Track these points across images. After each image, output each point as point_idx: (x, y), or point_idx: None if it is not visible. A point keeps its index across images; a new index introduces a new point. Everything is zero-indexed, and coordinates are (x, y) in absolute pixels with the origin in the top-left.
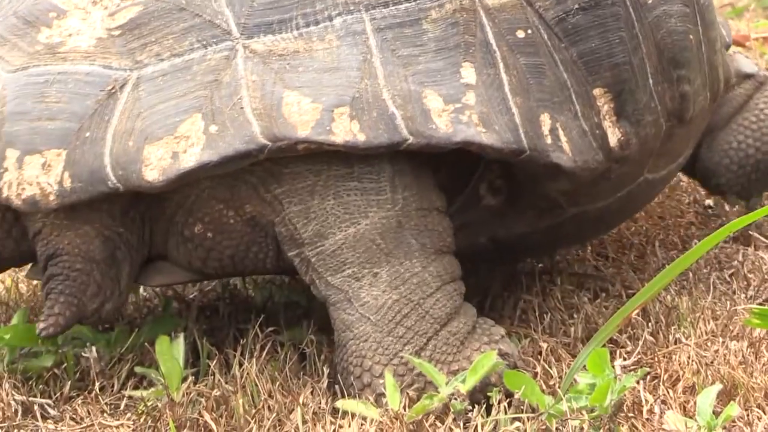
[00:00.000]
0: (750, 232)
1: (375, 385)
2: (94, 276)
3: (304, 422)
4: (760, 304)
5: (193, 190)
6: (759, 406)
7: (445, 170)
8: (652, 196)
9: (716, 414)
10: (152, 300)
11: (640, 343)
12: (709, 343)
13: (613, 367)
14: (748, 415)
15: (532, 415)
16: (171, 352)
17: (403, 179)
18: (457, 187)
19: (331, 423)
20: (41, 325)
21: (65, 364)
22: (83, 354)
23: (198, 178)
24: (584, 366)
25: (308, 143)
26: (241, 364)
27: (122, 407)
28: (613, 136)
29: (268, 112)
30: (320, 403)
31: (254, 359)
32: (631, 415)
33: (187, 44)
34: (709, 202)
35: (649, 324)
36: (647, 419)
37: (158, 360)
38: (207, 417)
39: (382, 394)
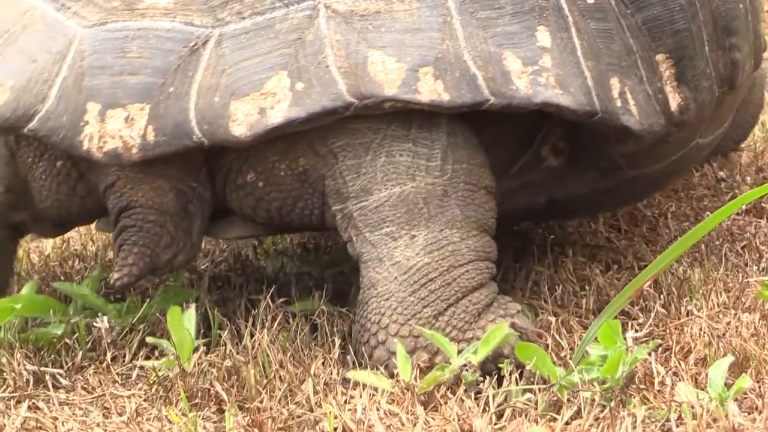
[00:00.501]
0: (763, 204)
1: (389, 343)
2: (168, 228)
3: (316, 393)
4: None
5: None
6: None
7: (508, 131)
8: (699, 160)
9: (728, 386)
10: None
11: (652, 315)
12: (721, 315)
13: (625, 338)
14: (759, 387)
15: (544, 386)
16: (182, 322)
17: (456, 152)
18: (520, 149)
19: (342, 393)
20: (115, 275)
21: (77, 334)
22: (95, 324)
23: (284, 134)
24: (596, 338)
25: (395, 101)
26: (252, 335)
27: (134, 377)
28: (674, 101)
29: (353, 70)
30: (331, 374)
31: (266, 330)
32: (642, 386)
33: (269, 3)
34: (722, 174)
35: (661, 296)
36: (659, 391)
37: (170, 330)
38: (218, 387)
39: (395, 353)
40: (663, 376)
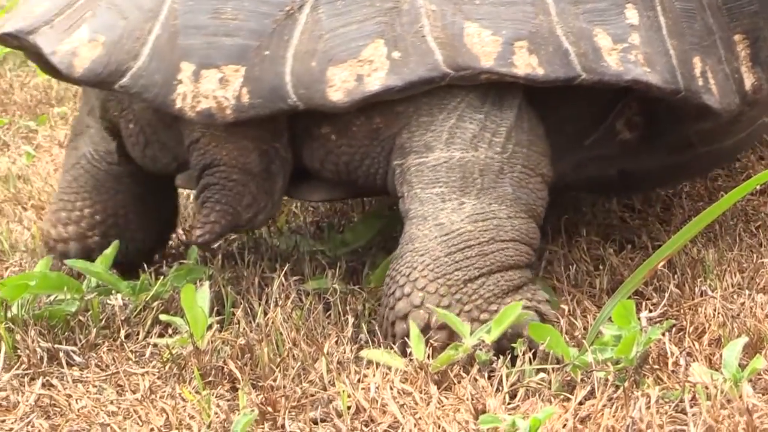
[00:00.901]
0: None
1: (414, 296)
2: (250, 187)
3: (329, 371)
4: None
5: None
6: None
7: (583, 106)
8: (760, 137)
9: (742, 367)
10: (177, 248)
11: (666, 295)
12: (735, 296)
13: (639, 319)
14: None
15: (557, 366)
16: (196, 300)
17: (520, 135)
18: (594, 123)
19: (356, 372)
20: (198, 232)
21: (90, 312)
22: (108, 302)
23: (379, 101)
24: (610, 318)
25: (491, 74)
26: (265, 313)
27: (147, 355)
28: (748, 81)
29: (449, 41)
30: (345, 353)
31: (279, 308)
32: (656, 367)
33: None
34: None
35: (675, 276)
36: (673, 371)
37: (183, 308)
38: (231, 365)
39: (418, 306)
40: (677, 357)
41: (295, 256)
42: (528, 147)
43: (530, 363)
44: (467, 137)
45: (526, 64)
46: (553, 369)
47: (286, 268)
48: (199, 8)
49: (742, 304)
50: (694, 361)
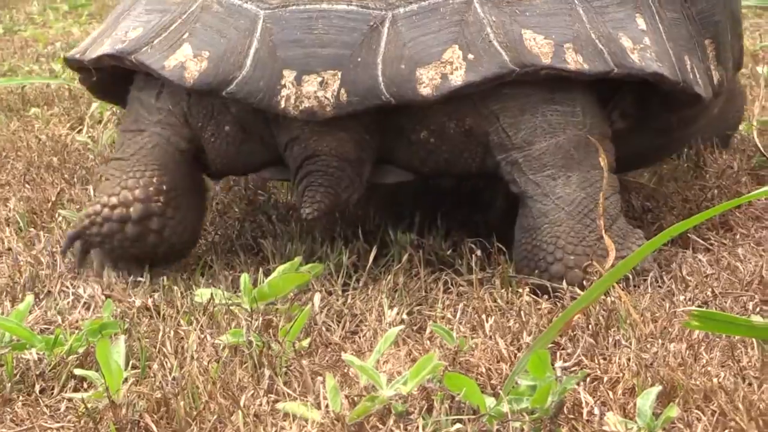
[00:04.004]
0: (688, 235)
1: (566, 259)
2: (347, 172)
3: (246, 424)
4: (699, 306)
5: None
6: (698, 408)
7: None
8: (708, 126)
9: (656, 415)
10: (94, 300)
11: (581, 344)
12: (648, 345)
13: (554, 368)
14: (687, 417)
15: (473, 416)
16: (111, 354)
17: (590, 108)
18: None
19: (272, 425)
20: (307, 210)
21: (5, 367)
22: (23, 356)
23: (460, 95)
24: (526, 368)
25: (549, 69)
26: (181, 367)
27: (63, 409)
28: (716, 76)
29: (512, 45)
30: (261, 405)
31: (195, 361)
32: (571, 416)
33: None
34: (648, 204)
35: (590, 326)
36: (587, 421)
37: (99, 362)
38: (147, 419)
39: (572, 268)
40: (591, 406)
41: (211, 309)
42: (598, 116)
43: (447, 413)
44: (555, 125)
45: (575, 61)
46: (469, 419)
47: (202, 321)
48: (293, 26)
49: (656, 353)
50: (608, 410)
